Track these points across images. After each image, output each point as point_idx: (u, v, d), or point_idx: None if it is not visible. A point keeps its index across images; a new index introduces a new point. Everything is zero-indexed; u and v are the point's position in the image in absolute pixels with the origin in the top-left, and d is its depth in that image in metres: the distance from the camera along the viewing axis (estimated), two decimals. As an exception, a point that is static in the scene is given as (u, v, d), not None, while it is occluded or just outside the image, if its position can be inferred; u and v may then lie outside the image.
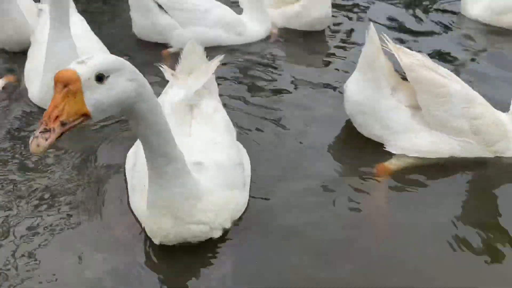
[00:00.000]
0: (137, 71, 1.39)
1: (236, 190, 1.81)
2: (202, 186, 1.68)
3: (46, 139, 1.13)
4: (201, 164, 1.71)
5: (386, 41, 2.43)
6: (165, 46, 3.15)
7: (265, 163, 2.45)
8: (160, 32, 3.01)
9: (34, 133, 1.18)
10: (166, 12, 2.90)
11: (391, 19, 4.69)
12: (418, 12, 4.81)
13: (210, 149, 1.80)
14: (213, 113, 2.00)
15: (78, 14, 2.83)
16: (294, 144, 2.72)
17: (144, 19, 2.95)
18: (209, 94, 2.15)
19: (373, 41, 2.29)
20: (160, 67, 2.34)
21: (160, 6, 2.87)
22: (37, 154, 1.28)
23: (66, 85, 1.18)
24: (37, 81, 2.46)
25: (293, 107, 3.07)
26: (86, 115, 1.23)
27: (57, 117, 1.17)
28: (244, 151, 2.29)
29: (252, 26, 3.45)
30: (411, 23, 4.61)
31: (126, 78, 1.30)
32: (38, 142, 1.14)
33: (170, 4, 2.90)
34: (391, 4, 5.07)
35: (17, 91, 2.84)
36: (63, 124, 1.17)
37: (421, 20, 4.67)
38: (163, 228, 1.65)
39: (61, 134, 1.19)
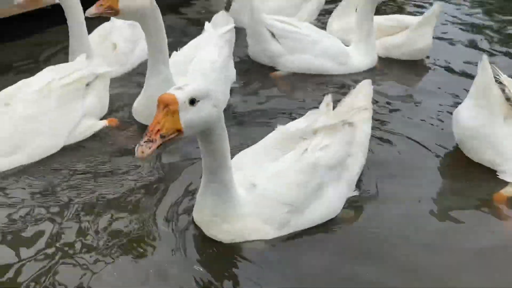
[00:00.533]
0: (219, 99, 1.65)
1: (268, 226, 1.74)
2: (235, 211, 1.71)
3: (149, 148, 1.39)
4: (255, 186, 1.75)
5: (498, 72, 2.48)
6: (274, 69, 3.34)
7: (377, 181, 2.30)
8: (270, 57, 3.22)
9: (139, 143, 1.43)
10: (277, 40, 3.10)
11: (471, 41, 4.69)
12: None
13: (274, 181, 1.76)
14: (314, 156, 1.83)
15: (219, 39, 2.74)
16: (400, 166, 2.62)
17: (257, 44, 3.19)
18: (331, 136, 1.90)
19: (487, 71, 2.34)
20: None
21: (272, 34, 3.09)
22: (141, 159, 1.50)
23: (167, 105, 1.41)
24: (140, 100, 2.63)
25: (397, 130, 3.01)
26: (179, 131, 1.45)
27: (158, 130, 1.41)
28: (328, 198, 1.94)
29: (357, 57, 3.55)
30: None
31: (212, 104, 1.52)
32: (143, 149, 1.39)
33: (281, 33, 3.10)
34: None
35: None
36: (162, 136, 1.41)
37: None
38: (201, 225, 1.83)
39: (160, 145, 1.43)
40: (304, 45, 3.22)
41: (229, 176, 1.68)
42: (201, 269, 1.73)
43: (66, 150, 2.15)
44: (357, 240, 1.84)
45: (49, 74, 2.17)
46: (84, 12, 2.26)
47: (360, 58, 3.52)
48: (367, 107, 1.95)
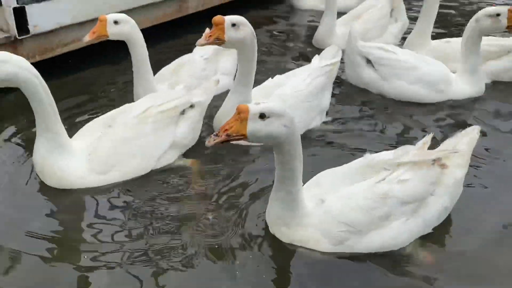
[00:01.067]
0: (294, 121, 1.69)
1: (325, 240, 1.81)
2: (297, 219, 1.82)
3: (214, 140, 1.61)
4: (323, 202, 1.84)
5: None
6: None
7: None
8: (365, 83, 3.23)
9: (211, 135, 1.67)
10: (373, 66, 3.11)
11: None
12: None
13: (342, 201, 1.83)
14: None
15: (316, 70, 2.78)
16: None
17: (353, 70, 3.22)
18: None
19: None
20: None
21: (368, 60, 3.11)
22: (208, 146, 1.67)
23: (240, 113, 1.58)
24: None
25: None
26: (243, 135, 1.60)
27: (226, 130, 1.61)
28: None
29: (460, 84, 3.35)
30: None
31: (282, 123, 1.61)
32: (210, 139, 1.62)
33: (377, 60, 3.09)
34: None
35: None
36: (227, 135, 1.60)
37: None
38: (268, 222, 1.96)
39: (224, 141, 1.63)
40: (399, 71, 3.16)
41: (295, 189, 1.77)
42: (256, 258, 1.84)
43: (152, 171, 2.33)
44: (410, 281, 1.74)
45: (149, 101, 2.39)
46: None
47: (464, 86, 3.34)
48: (464, 154, 1.92)
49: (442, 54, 3.33)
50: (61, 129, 2.10)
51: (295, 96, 2.50)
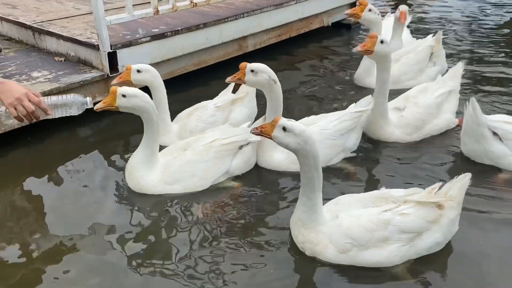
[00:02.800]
0: (310, 142, 1.87)
1: (332, 246, 1.92)
2: (313, 224, 1.96)
3: (253, 133, 2.00)
4: (337, 217, 1.98)
5: None
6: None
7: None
8: (491, 158, 2.84)
9: (252, 130, 2.02)
10: (501, 140, 2.75)
11: None
12: None
13: (351, 219, 1.95)
14: None
15: (346, 115, 2.76)
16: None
17: (477, 144, 2.82)
18: None
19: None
20: None
21: (494, 133, 2.77)
22: (251, 133, 2.07)
23: (273, 121, 1.89)
24: None
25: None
26: (270, 137, 1.89)
27: (262, 127, 1.94)
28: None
29: None
30: None
31: (296, 141, 1.84)
32: (251, 132, 2.05)
33: (507, 135, 2.74)
34: None
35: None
36: (261, 131, 1.92)
37: None
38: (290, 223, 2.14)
39: (258, 134, 1.99)
40: None
41: (314, 196, 1.95)
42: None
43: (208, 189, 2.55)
44: None
45: (218, 133, 2.64)
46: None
47: None
48: (454, 198, 1.96)
49: None
50: (157, 149, 2.44)
51: (320, 133, 2.61)
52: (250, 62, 2.56)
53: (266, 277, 1.91)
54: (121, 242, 2.13)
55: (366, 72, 3.81)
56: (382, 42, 2.59)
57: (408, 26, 4.64)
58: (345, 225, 1.93)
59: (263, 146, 2.67)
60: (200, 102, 3.04)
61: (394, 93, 3.04)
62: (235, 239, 2.14)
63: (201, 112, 2.95)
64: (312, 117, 2.90)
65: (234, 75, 2.54)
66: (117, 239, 2.16)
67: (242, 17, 4.01)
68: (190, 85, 3.75)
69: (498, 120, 2.68)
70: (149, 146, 2.34)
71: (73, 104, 2.16)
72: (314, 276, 1.94)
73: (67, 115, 2.18)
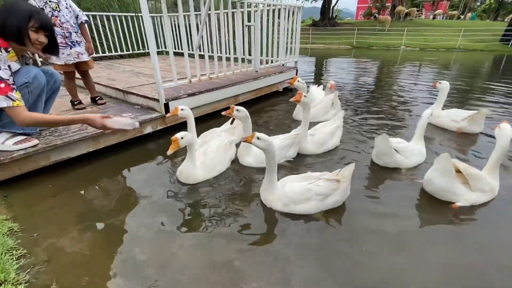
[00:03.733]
0: (271, 145, 1.86)
1: (279, 202, 1.92)
2: (272, 190, 1.94)
3: (244, 140, 1.89)
4: (283, 187, 1.97)
5: None
6: None
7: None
8: (395, 163, 2.47)
9: (243, 138, 1.96)
10: (398, 152, 2.50)
11: None
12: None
13: (290, 188, 1.94)
14: None
15: (287, 138, 2.67)
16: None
17: (387, 157, 2.49)
18: None
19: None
20: None
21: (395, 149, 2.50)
22: (242, 141, 2.07)
23: (253, 135, 1.86)
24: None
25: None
26: (251, 142, 1.87)
27: (246, 139, 1.88)
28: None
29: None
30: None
31: (264, 144, 1.85)
32: (242, 140, 1.95)
33: (401, 150, 2.51)
34: None
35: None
36: (246, 140, 1.88)
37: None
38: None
39: (244, 141, 1.89)
40: (410, 153, 2.56)
41: (273, 176, 1.94)
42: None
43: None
44: (319, 228, 1.82)
45: (220, 141, 2.59)
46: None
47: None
48: (346, 177, 1.96)
49: None
50: (195, 156, 2.26)
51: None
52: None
53: (246, 219, 1.90)
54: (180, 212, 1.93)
55: (298, 112, 3.83)
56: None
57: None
58: (287, 191, 1.95)
59: (242, 151, 2.62)
60: (213, 128, 3.04)
61: (312, 124, 2.99)
62: (232, 202, 2.08)
63: (212, 134, 2.92)
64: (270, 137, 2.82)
65: (227, 111, 2.53)
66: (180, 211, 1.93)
67: (236, 85, 4.13)
68: (207, 120, 3.73)
69: (396, 142, 2.57)
70: (192, 155, 2.24)
71: (129, 125, 2.07)
72: (272, 216, 1.94)
73: (126, 128, 2.08)
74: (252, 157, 2.56)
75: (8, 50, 1.88)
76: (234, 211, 1.96)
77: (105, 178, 2.35)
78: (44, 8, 2.76)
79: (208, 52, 3.74)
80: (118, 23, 6.85)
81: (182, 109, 2.65)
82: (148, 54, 7.52)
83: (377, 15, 22.71)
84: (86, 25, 3.17)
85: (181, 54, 5.64)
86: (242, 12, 4.05)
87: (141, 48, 7.45)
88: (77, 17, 3.06)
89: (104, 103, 3.59)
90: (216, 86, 3.81)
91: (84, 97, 3.73)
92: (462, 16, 27.90)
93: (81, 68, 3.28)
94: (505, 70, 8.66)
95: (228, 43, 4.29)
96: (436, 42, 15.99)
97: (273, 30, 4.82)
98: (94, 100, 3.59)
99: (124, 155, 2.81)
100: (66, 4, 2.93)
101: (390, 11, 23.85)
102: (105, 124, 1.97)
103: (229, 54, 4.31)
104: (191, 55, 4.56)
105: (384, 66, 9.50)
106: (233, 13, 4.01)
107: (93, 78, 3.70)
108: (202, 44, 3.66)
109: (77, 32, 3.05)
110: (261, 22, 4.35)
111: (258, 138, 1.87)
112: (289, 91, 5.50)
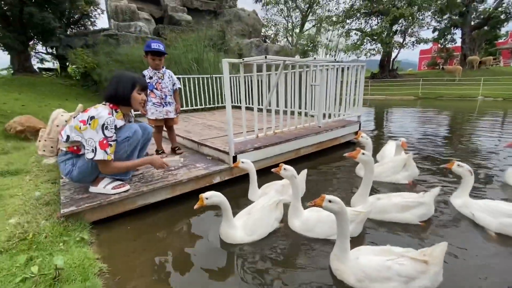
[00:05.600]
0: (343, 208, 1.75)
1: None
2: (345, 261, 1.76)
3: (310, 205, 1.77)
4: (357, 258, 1.77)
5: None
6: None
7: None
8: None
9: (309, 204, 1.77)
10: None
11: None
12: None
13: (367, 264, 1.72)
14: None
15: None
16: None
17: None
18: None
19: None
20: None
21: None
22: (308, 205, 1.81)
23: (321, 198, 1.74)
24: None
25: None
26: (321, 206, 1.75)
27: (315, 203, 1.75)
28: None
29: None
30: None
31: (337, 207, 1.72)
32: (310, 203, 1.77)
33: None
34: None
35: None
36: (315, 204, 1.76)
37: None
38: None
39: (312, 206, 1.77)
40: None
41: (346, 242, 1.79)
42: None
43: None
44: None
45: (265, 200, 2.41)
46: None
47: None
48: (433, 259, 1.66)
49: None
50: (231, 217, 2.12)
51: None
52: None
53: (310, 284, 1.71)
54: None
55: (360, 168, 3.63)
56: (363, 154, 2.38)
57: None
58: (362, 264, 1.73)
59: (290, 213, 2.36)
60: (274, 181, 3.03)
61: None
62: (291, 268, 1.86)
63: (274, 185, 2.92)
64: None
65: (276, 169, 2.43)
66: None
67: (298, 139, 4.19)
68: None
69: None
70: (227, 215, 2.11)
71: (176, 161, 2.72)
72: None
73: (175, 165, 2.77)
74: (300, 221, 2.26)
75: (117, 111, 2.34)
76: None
77: (179, 224, 2.41)
78: (153, 76, 3.42)
79: (276, 106, 4.00)
80: (196, 83, 8.01)
81: (242, 162, 2.78)
82: (216, 108, 8.44)
83: (443, 66, 21.46)
84: (178, 91, 3.84)
85: (250, 109, 6.11)
86: (308, 72, 4.31)
87: (211, 103, 8.42)
88: (173, 84, 3.62)
89: (182, 152, 4.01)
90: (280, 140, 3.93)
91: (166, 146, 4.24)
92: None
93: (169, 123, 3.87)
94: None
95: (294, 100, 4.53)
96: (524, 91, 13.94)
97: (336, 87, 4.94)
98: (173, 150, 4.07)
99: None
100: (169, 75, 3.53)
101: (459, 61, 22.33)
102: (164, 162, 2.61)
103: (294, 108, 4.50)
104: (259, 110, 4.90)
105: (457, 118, 8.51)
106: (300, 72, 4.29)
107: (173, 130, 4.22)
108: (270, 101, 3.95)
109: (171, 95, 3.76)
110: (327, 79, 4.53)
111: (330, 201, 1.76)
112: (353, 144, 5.34)
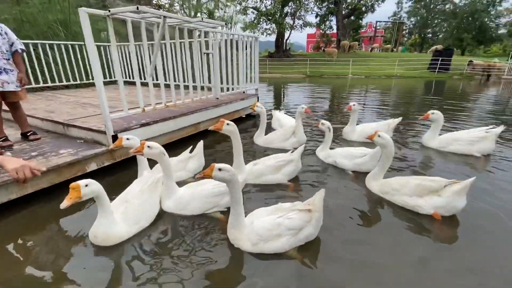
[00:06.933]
0: (235, 175, 1.66)
1: (248, 241, 1.70)
2: (239, 228, 1.73)
3: (199, 178, 1.61)
4: (252, 223, 1.76)
5: None
6: None
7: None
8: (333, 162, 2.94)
9: (200, 173, 1.62)
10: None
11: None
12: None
13: (260, 224, 1.73)
14: None
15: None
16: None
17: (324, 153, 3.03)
18: None
19: None
20: None
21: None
22: (196, 178, 1.64)
23: (211, 167, 1.62)
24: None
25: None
26: (211, 177, 1.62)
27: (204, 174, 1.61)
28: None
29: None
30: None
31: (228, 175, 1.64)
32: (198, 175, 1.62)
33: (338, 160, 2.90)
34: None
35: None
36: (204, 176, 1.61)
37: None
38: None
39: (202, 177, 1.61)
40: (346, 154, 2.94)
41: (239, 209, 1.72)
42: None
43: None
44: (293, 265, 1.62)
45: (139, 183, 2.13)
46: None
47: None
48: (315, 207, 1.78)
49: None
50: (110, 210, 1.76)
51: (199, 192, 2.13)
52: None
53: (211, 262, 1.63)
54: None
55: (257, 136, 3.73)
56: (149, 147, 2.04)
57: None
58: (255, 227, 1.72)
59: (163, 193, 2.14)
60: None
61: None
62: (194, 241, 1.79)
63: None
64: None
65: (136, 149, 2.07)
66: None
67: (196, 112, 3.88)
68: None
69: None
70: (105, 209, 1.74)
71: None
72: (240, 258, 1.67)
73: None
74: (173, 201, 2.07)
75: None
76: (198, 259, 1.68)
77: (33, 232, 1.92)
78: None
79: (165, 80, 3.50)
80: (64, 52, 6.30)
81: (128, 139, 2.31)
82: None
83: (324, 48, 25.01)
84: (22, 54, 2.83)
85: (145, 84, 5.26)
86: (200, 42, 3.95)
87: (90, 78, 6.89)
88: (12, 44, 2.75)
89: (39, 138, 3.05)
90: (174, 115, 3.52)
91: (14, 132, 3.14)
92: (395, 49, 32.09)
93: (10, 99, 2.79)
94: (435, 92, 9.96)
95: (186, 71, 4.11)
96: (378, 71, 17.91)
97: (232, 59, 4.79)
98: (25, 136, 3.03)
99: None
100: (1, 30, 2.67)
101: (335, 45, 26.48)
102: (26, 165, 1.46)
103: (188, 82, 4.12)
104: (145, 84, 4.25)
105: (335, 92, 10.17)
106: (190, 43, 3.87)
107: (27, 111, 3.20)
108: (157, 72, 3.41)
109: (8, 59, 2.70)
110: (220, 51, 4.29)
111: (220, 169, 1.65)
112: (253, 117, 5.43)
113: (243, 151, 3.40)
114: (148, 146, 2.05)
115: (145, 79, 3.39)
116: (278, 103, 7.51)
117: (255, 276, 1.53)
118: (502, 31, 33.71)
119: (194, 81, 4.23)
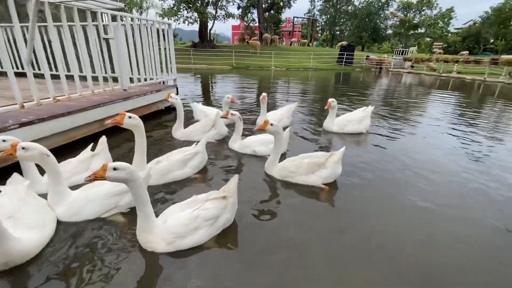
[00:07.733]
0: (134, 172, 1.51)
1: (162, 242, 1.60)
2: (150, 229, 1.60)
3: (90, 178, 1.40)
4: (166, 222, 1.65)
5: None
6: None
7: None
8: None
9: (90, 175, 1.41)
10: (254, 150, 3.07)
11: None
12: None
13: (174, 221, 1.66)
14: None
15: None
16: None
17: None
18: None
19: None
20: None
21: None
22: (86, 180, 1.41)
23: (103, 167, 1.43)
24: None
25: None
26: (105, 178, 1.43)
27: (95, 176, 1.42)
28: None
29: None
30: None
31: (125, 173, 1.47)
32: (87, 178, 1.39)
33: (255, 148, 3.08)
34: None
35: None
36: (96, 177, 1.40)
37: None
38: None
39: (93, 180, 1.41)
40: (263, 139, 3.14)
41: (146, 209, 1.58)
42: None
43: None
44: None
45: (14, 193, 1.73)
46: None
47: None
48: (230, 193, 1.81)
49: None
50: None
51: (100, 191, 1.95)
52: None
53: (125, 274, 1.46)
54: None
55: (175, 129, 3.58)
56: (130, 118, 2.09)
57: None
58: (169, 225, 1.62)
59: (51, 203, 1.88)
60: (67, 159, 2.38)
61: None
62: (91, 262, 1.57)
63: (68, 164, 2.31)
64: None
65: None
66: None
67: (100, 106, 3.40)
68: (64, 152, 2.84)
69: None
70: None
71: None
72: (155, 261, 1.55)
73: None
74: (64, 207, 1.83)
75: None
76: (102, 271, 1.50)
77: None
78: None
79: (53, 70, 2.93)
80: None
81: (4, 141, 1.87)
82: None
83: (247, 41, 25.54)
84: None
85: (22, 75, 4.27)
86: (97, 26, 3.44)
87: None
88: None
89: None
90: (69, 110, 3.01)
91: None
92: (310, 44, 35.21)
93: None
94: (343, 82, 11.57)
95: (82, 60, 3.53)
96: (296, 63, 19.37)
97: (142, 47, 4.36)
98: None
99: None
100: None
101: (259, 37, 27.34)
102: None
103: (85, 72, 3.55)
104: (23, 74, 3.49)
105: (262, 83, 10.57)
106: (84, 27, 3.33)
107: None
108: (35, 59, 2.82)
109: None
110: (127, 37, 3.84)
111: (114, 168, 1.47)
112: (173, 110, 5.11)
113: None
114: (23, 148, 1.70)
115: (22, 68, 2.77)
116: (206, 95, 7.31)
117: (175, 276, 1.46)
118: (389, 31, 40.94)
119: (94, 71, 3.69)
